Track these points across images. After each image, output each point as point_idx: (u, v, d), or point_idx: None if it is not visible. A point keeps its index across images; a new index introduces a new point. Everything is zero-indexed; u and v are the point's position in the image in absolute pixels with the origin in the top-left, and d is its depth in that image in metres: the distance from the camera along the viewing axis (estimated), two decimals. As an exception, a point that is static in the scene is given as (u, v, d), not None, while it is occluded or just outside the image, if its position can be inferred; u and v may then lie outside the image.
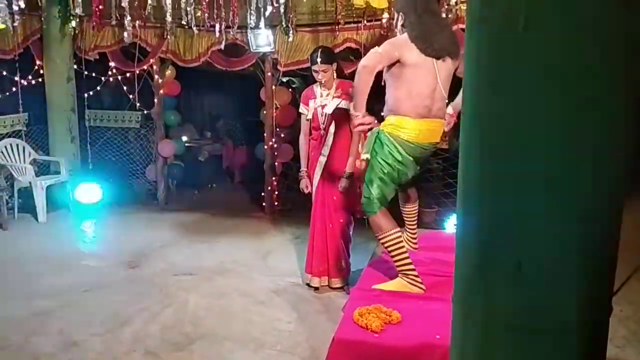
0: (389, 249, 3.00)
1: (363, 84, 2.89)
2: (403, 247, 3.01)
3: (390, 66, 2.94)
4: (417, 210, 3.61)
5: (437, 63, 2.94)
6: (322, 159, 3.86)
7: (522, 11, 1.10)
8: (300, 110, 4.02)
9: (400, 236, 3.01)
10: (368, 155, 3.04)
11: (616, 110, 1.15)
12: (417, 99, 2.93)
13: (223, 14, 5.48)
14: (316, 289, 3.97)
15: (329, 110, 3.73)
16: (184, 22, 5.56)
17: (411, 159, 3.00)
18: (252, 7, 5.22)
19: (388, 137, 2.98)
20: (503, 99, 1.18)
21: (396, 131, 2.96)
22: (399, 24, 3.04)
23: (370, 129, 3.03)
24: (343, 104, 3.73)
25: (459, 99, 3.17)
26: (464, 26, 1.34)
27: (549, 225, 1.17)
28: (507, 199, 1.20)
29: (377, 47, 2.96)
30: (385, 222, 3.00)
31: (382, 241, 3.03)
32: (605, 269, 1.24)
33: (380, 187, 2.99)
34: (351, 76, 3.61)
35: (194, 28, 5.61)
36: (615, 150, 1.17)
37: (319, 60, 3.68)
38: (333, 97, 3.76)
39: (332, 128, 3.81)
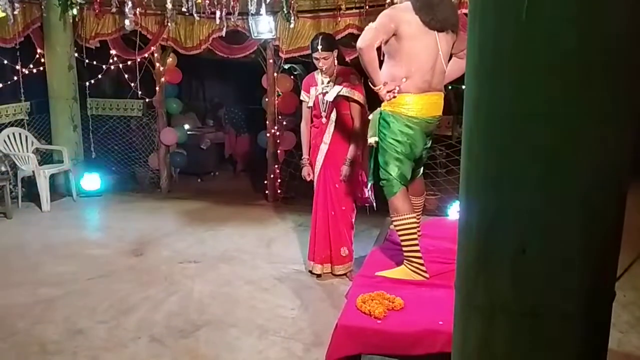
0: (400, 232, 2.99)
1: (369, 64, 2.84)
2: (415, 233, 3.00)
3: (387, 40, 2.86)
4: (423, 202, 3.60)
5: (439, 36, 2.87)
6: (324, 147, 3.85)
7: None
8: (301, 98, 4.00)
9: (414, 222, 3.00)
10: (376, 138, 2.99)
11: (618, 98, 1.14)
12: (417, 74, 2.87)
13: (224, 0, 5.44)
14: (318, 276, 3.98)
15: (330, 97, 3.70)
16: (184, 9, 5.53)
17: (419, 129, 2.97)
18: (253, -7, 5.19)
19: (391, 115, 2.94)
20: (506, 86, 1.18)
21: (398, 109, 2.92)
22: None
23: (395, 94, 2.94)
24: (344, 91, 3.70)
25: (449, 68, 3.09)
26: (467, 11, 1.33)
27: (551, 211, 1.17)
28: (510, 185, 1.20)
29: (371, 22, 2.90)
30: (402, 205, 2.97)
31: (395, 223, 3.01)
32: (608, 254, 1.24)
33: (398, 166, 2.96)
34: (353, 63, 3.56)
35: (195, 15, 5.58)
36: (618, 135, 1.17)
37: (319, 47, 3.65)
38: (334, 85, 3.74)
39: (333, 115, 3.79)
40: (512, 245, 1.20)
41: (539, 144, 1.15)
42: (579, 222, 1.17)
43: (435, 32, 2.85)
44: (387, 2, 4.93)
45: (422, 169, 3.38)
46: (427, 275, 2.97)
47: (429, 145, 3.18)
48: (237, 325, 3.30)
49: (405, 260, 3.02)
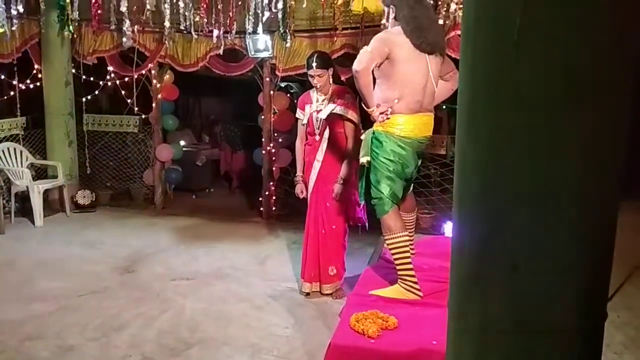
0: (393, 250, 3.00)
1: (364, 87, 2.89)
2: (407, 251, 3.02)
3: (379, 64, 2.93)
4: (415, 219, 3.62)
5: (429, 58, 2.95)
6: (317, 164, 3.86)
7: (517, 18, 1.11)
8: (296, 115, 4.03)
9: (407, 240, 3.02)
10: (368, 158, 3.03)
11: (611, 113, 1.16)
12: (410, 96, 2.94)
13: (221, 19, 5.50)
14: (307, 294, 3.95)
15: (323, 115, 3.73)
16: (182, 27, 5.58)
17: (411, 149, 3.02)
18: (250, 13, 5.24)
19: (384, 135, 2.98)
20: (499, 105, 1.19)
21: (391, 129, 2.97)
22: (390, 17, 3.03)
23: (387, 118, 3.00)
24: (338, 109, 3.73)
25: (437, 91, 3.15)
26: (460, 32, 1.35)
27: (544, 230, 1.17)
28: (502, 204, 1.21)
29: (365, 46, 2.96)
30: (395, 224, 3.00)
31: (388, 242, 3.03)
32: (600, 273, 1.24)
33: (389, 185, 3.00)
34: (348, 83, 3.58)
35: (193, 33, 5.63)
36: (611, 153, 1.18)
37: (314, 65, 3.69)
38: (329, 103, 3.76)
39: (326, 133, 3.81)
40: (504, 263, 1.20)
41: (532, 162, 1.16)
42: (570, 240, 1.18)
43: (426, 54, 2.92)
44: (383, 22, 4.99)
45: (412, 185, 3.42)
46: (421, 294, 2.96)
47: (419, 164, 3.23)
48: (230, 344, 3.26)
49: (399, 279, 3.01)
